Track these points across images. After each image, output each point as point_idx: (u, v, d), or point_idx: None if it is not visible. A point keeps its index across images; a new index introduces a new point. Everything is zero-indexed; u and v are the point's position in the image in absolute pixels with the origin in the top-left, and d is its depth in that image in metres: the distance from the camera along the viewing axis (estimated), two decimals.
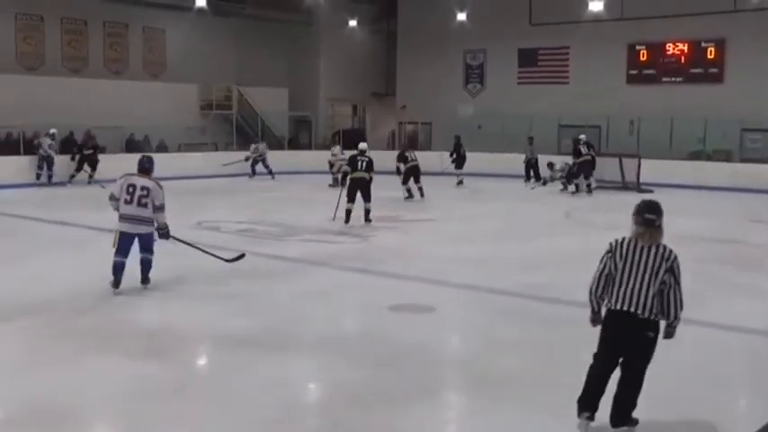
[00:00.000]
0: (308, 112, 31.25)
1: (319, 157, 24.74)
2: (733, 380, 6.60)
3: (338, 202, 14.93)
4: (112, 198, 8.96)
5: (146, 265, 9.07)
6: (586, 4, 25.50)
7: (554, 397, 5.89)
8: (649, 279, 4.94)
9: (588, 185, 21.35)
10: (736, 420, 5.70)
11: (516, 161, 24.49)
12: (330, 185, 21.29)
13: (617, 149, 24.19)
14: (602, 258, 5.17)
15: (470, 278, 10.15)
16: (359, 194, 14.77)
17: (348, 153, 17.48)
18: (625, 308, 4.98)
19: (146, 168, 9.06)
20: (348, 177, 15.04)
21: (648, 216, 5.03)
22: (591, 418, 5.14)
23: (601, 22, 25.92)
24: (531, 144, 24.68)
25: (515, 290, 9.38)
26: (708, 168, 23.83)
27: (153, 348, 7.10)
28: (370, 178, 14.92)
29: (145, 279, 9.12)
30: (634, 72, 27.83)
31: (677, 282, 5.01)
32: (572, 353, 7.21)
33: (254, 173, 24.97)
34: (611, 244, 5.17)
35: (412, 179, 19.32)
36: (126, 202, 8.81)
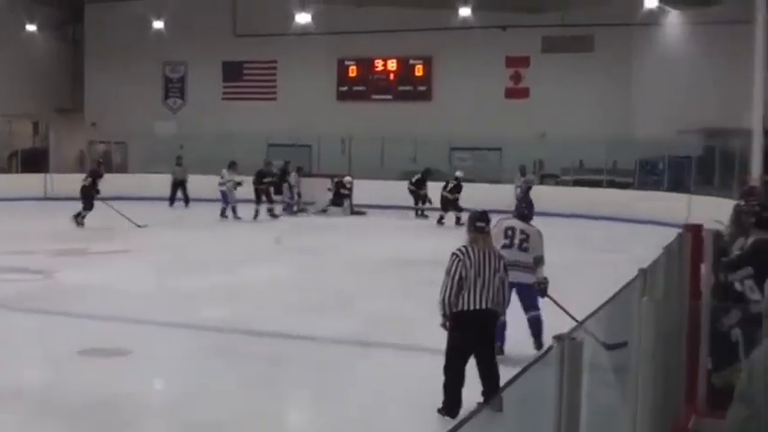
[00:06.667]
0: None
1: None
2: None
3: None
4: None
5: (537, 325, 8.21)
6: (293, 16, 26.15)
7: None
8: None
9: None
10: None
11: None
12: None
13: (329, 170, 24.95)
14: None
15: (172, 315, 9.86)
16: None
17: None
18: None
19: (524, 215, 8.74)
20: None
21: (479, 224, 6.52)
22: None
23: (309, 35, 26.69)
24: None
25: (223, 325, 9.26)
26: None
27: None
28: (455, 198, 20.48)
29: (539, 343, 8.09)
30: (344, 89, 29.00)
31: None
32: (288, 390, 7.26)
33: None
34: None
35: None
36: (504, 246, 8.22)
